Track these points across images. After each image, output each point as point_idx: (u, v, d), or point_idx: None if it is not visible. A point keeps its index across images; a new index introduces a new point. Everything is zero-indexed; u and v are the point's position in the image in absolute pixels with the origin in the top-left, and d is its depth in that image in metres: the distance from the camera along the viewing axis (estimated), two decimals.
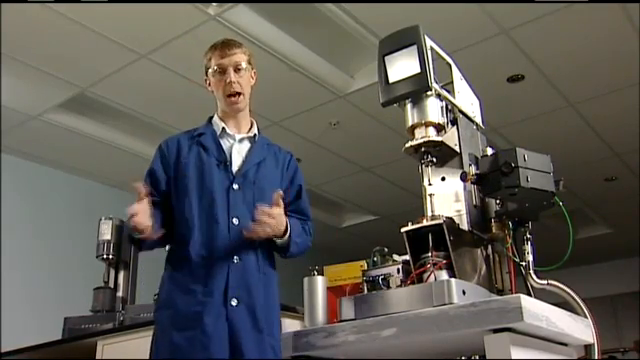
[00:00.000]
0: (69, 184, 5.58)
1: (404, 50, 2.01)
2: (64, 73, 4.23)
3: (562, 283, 1.98)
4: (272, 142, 2.15)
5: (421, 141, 1.98)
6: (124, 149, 5.25)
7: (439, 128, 2.02)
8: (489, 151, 2.12)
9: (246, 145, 2.05)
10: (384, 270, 1.99)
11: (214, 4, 3.65)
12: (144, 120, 4.90)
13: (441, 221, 1.87)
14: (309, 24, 3.96)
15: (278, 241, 1.92)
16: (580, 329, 1.83)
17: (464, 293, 1.73)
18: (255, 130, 2.09)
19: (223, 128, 2.04)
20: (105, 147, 5.19)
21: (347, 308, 1.90)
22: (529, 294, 1.87)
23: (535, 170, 1.87)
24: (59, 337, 3.04)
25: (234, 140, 2.04)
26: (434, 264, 1.85)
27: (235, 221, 1.90)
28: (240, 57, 2.04)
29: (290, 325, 2.01)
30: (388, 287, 1.94)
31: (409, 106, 2.04)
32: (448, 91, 2.10)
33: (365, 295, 1.93)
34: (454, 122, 2.07)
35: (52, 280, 5.05)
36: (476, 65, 4.03)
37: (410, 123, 2.03)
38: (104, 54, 4.02)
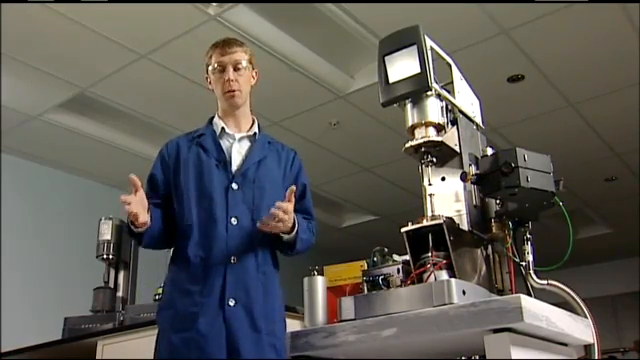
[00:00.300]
0: (69, 184, 5.58)
1: (404, 50, 2.00)
2: (64, 73, 4.23)
3: (562, 283, 1.98)
4: (274, 140, 2.13)
5: (421, 141, 1.98)
6: (124, 149, 5.25)
7: (439, 128, 2.01)
8: (489, 151, 2.12)
9: (246, 144, 2.05)
10: (384, 270, 1.98)
11: (214, 4, 3.65)
12: (144, 120, 4.90)
13: (441, 221, 1.87)
14: (309, 24, 3.96)
15: (285, 237, 1.90)
16: (580, 329, 1.83)
17: (464, 293, 1.73)
18: (255, 129, 2.08)
19: (223, 128, 2.04)
20: (105, 147, 5.19)
21: (347, 308, 1.90)
22: (529, 294, 1.87)
23: (535, 170, 1.87)
24: (59, 337, 3.04)
25: (234, 139, 2.04)
26: (434, 264, 1.85)
27: (234, 221, 1.90)
28: (240, 55, 2.04)
29: (290, 325, 2.01)
30: (388, 287, 1.93)
31: (409, 106, 2.04)
32: (448, 91, 2.10)
33: (365, 295, 1.93)
34: (454, 122, 2.07)
35: (52, 280, 5.05)
36: (476, 65, 4.03)
37: (410, 123, 2.03)
38: (104, 54, 4.02)
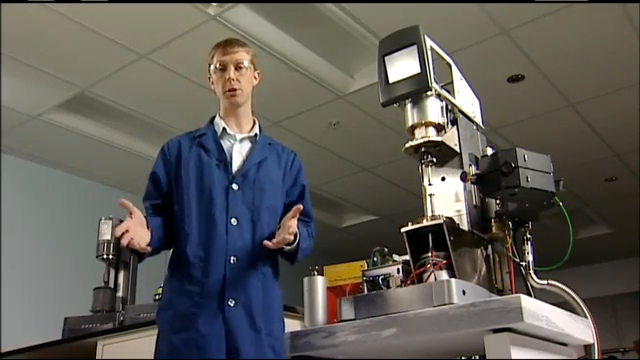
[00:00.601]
0: (69, 184, 5.58)
1: (404, 50, 2.00)
2: (64, 73, 4.23)
3: (562, 283, 1.98)
4: (275, 141, 2.13)
5: (421, 141, 1.98)
6: (124, 149, 5.25)
7: (439, 128, 2.01)
8: (489, 151, 2.12)
9: (247, 145, 2.05)
10: (384, 270, 1.98)
11: (214, 4, 3.65)
12: (144, 120, 4.90)
13: (441, 221, 1.87)
14: (309, 24, 3.96)
15: (287, 248, 1.90)
16: (580, 329, 1.83)
17: (464, 293, 1.73)
18: (257, 130, 2.08)
19: (224, 128, 2.04)
20: (105, 147, 5.19)
21: (347, 308, 1.90)
22: (529, 294, 1.87)
23: (535, 170, 1.87)
24: (59, 337, 3.03)
25: (235, 140, 2.04)
26: (434, 264, 1.85)
27: (233, 221, 1.89)
28: (242, 55, 2.04)
29: (290, 325, 2.01)
30: (388, 287, 1.94)
31: (409, 106, 2.04)
32: (448, 91, 2.10)
33: (365, 295, 1.93)
34: (454, 122, 2.07)
35: (52, 280, 5.05)
36: (476, 65, 4.03)
37: (410, 123, 2.03)
38: (104, 54, 4.02)
